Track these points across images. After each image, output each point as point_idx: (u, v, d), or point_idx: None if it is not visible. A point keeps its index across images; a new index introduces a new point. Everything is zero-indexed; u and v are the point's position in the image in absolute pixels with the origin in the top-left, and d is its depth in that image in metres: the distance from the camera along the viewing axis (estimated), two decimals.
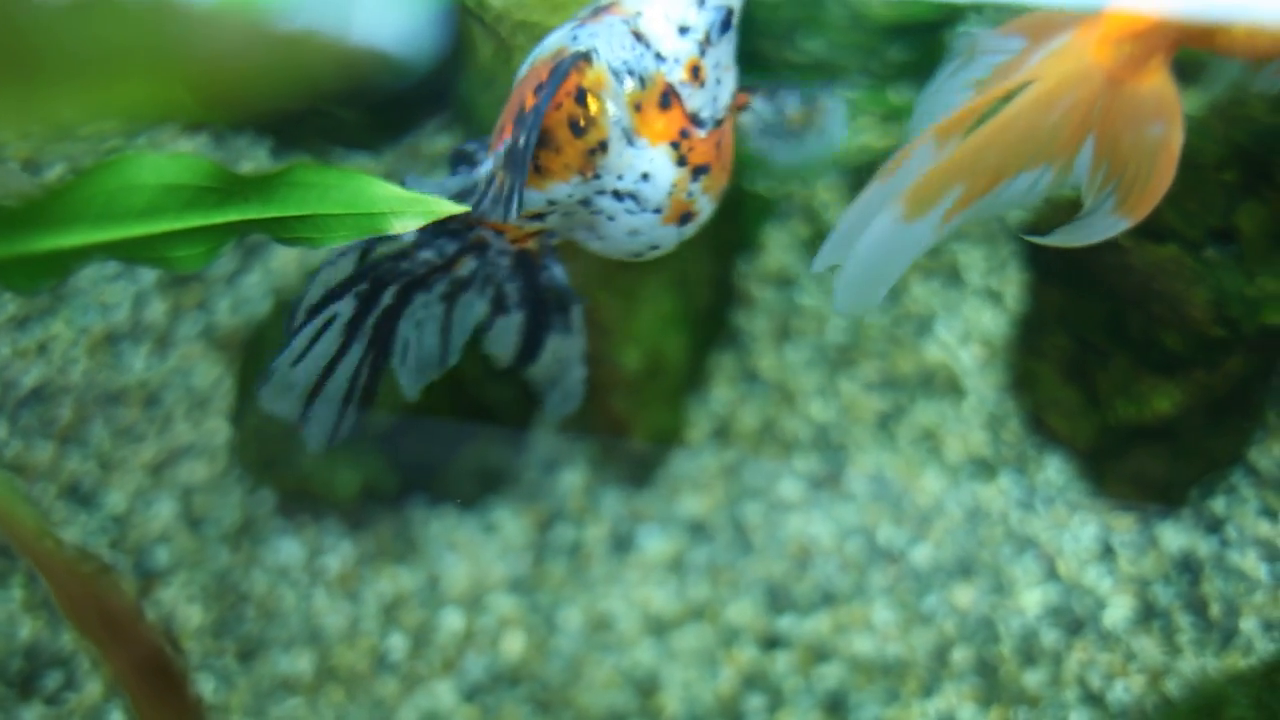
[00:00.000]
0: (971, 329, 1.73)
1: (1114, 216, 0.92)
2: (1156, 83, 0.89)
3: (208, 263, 0.84)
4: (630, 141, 0.93)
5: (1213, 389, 1.43)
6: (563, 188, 0.95)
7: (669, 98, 0.92)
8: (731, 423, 1.71)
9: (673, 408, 1.64)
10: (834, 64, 1.79)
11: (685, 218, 0.99)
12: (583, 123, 0.92)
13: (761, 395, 1.72)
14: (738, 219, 1.73)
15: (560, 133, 0.93)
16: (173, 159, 0.80)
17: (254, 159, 1.83)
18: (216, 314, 1.79)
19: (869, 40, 1.70)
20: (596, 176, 0.95)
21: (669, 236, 1.01)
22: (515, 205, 0.90)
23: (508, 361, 1.16)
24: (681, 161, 0.94)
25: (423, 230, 1.00)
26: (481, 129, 1.46)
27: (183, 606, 1.63)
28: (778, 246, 1.79)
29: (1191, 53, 0.95)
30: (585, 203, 0.98)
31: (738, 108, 1.00)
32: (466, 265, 1.06)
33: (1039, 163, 0.91)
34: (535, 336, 1.13)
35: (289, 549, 1.67)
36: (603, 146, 0.93)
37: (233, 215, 0.83)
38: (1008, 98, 0.91)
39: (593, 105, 0.91)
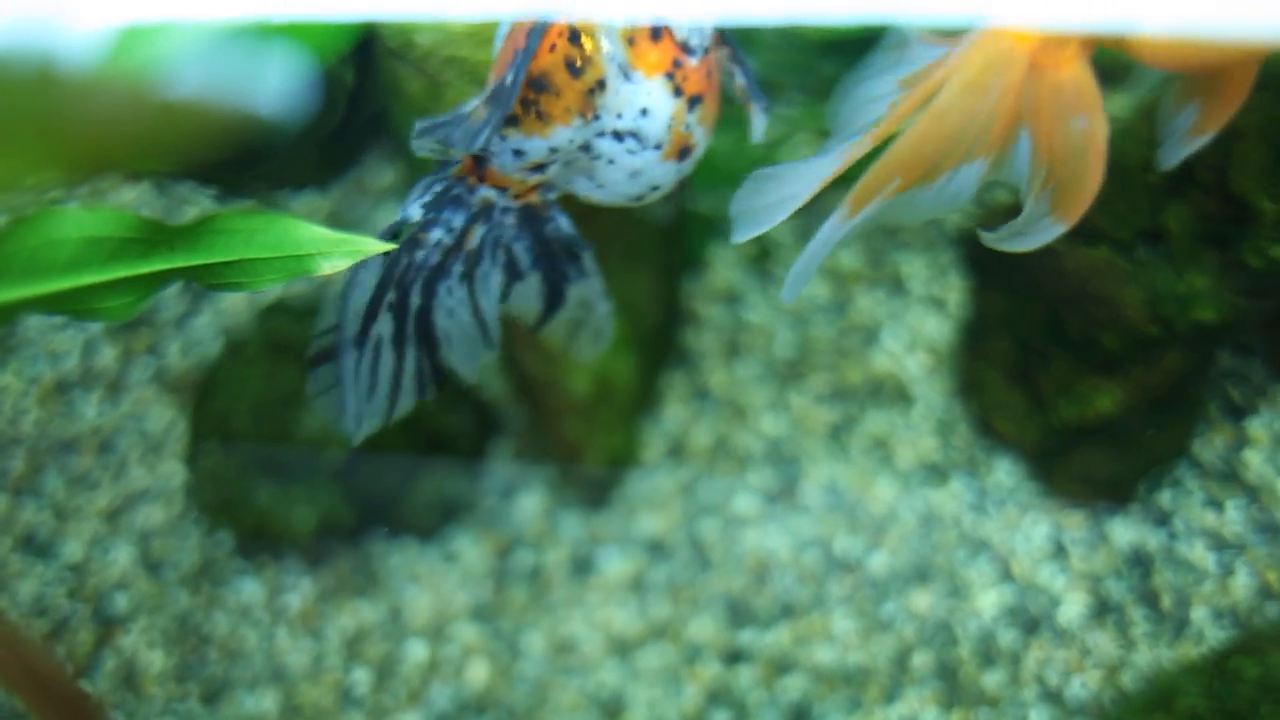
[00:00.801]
0: (917, 337, 1.75)
1: (1051, 219, 0.92)
2: (1076, 72, 0.89)
3: (136, 312, 0.85)
4: (627, 76, 0.94)
5: (1152, 386, 1.45)
6: (564, 132, 0.96)
7: (659, 28, 0.93)
8: (685, 441, 1.72)
9: (625, 429, 1.65)
10: (770, 81, 1.81)
11: (684, 152, 1.00)
12: (579, 62, 0.92)
13: (713, 412, 1.73)
14: (683, 239, 1.74)
15: (558, 75, 0.93)
16: (94, 212, 0.80)
17: (198, 205, 1.83)
18: (167, 357, 1.79)
19: (803, 58, 1.72)
20: (596, 117, 0.95)
21: (669, 174, 1.01)
22: (484, 138, 0.90)
23: (536, 317, 1.15)
24: (677, 92, 0.94)
25: (428, 205, 1.02)
26: (419, 160, 1.47)
27: (144, 652, 1.62)
28: (723, 264, 1.81)
29: (1114, 55, 0.96)
30: (586, 148, 0.98)
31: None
32: (476, 235, 1.06)
33: (975, 155, 0.92)
34: (556, 288, 1.13)
35: (249, 589, 1.67)
36: (601, 85, 0.93)
37: (158, 265, 0.84)
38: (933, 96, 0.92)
39: (587, 44, 0.92)
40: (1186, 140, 0.97)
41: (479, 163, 1.04)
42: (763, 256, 1.82)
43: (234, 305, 1.81)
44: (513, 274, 1.11)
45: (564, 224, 1.10)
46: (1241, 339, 1.64)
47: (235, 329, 1.78)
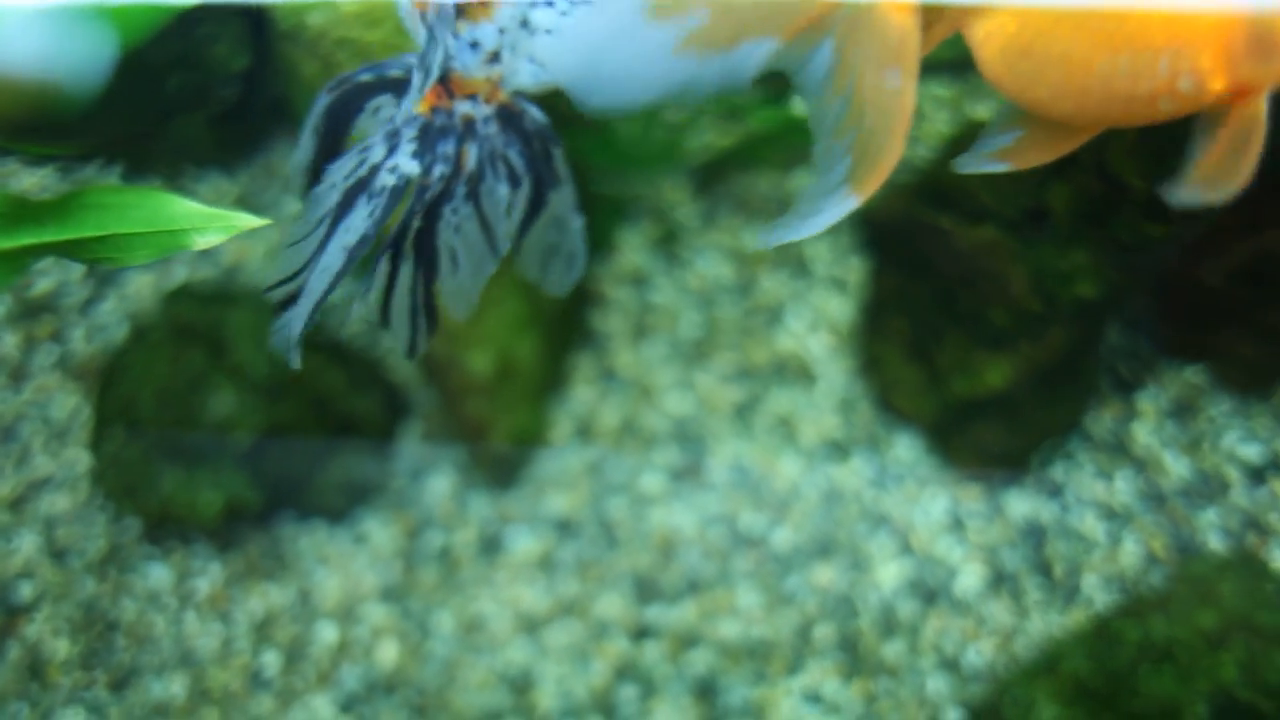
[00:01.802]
0: (820, 317, 1.78)
1: (845, 189, 0.88)
2: (904, 25, 0.85)
3: (6, 286, 0.85)
4: None
5: (1039, 361, 1.50)
6: (505, 10, 0.96)
7: None
8: (593, 421, 1.74)
9: (532, 409, 1.67)
10: None
11: None
12: None
13: (620, 393, 1.75)
14: (589, 221, 1.76)
15: None
16: None
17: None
18: (71, 343, 1.77)
19: None
20: None
21: None
22: (444, 47, 0.91)
23: (513, 230, 1.12)
24: None
25: (418, 151, 1.01)
26: None
27: (49, 640, 1.61)
28: (629, 247, 1.83)
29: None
30: (525, 24, 0.98)
31: None
32: (471, 155, 1.05)
33: (769, 32, 0.86)
34: (540, 193, 1.11)
35: (157, 574, 1.67)
36: None
37: (26, 239, 0.84)
38: None
39: None
40: (989, 160, 0.97)
41: (444, 80, 1.03)
42: (668, 239, 1.84)
43: (139, 290, 1.80)
44: (514, 183, 1.08)
45: (537, 113, 1.08)
46: (1130, 316, 1.70)
47: (141, 314, 1.77)
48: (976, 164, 0.97)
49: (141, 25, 1.05)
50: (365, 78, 1.07)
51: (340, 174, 1.00)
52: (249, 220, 0.89)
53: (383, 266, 1.03)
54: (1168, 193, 0.87)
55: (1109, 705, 1.39)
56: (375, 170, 1.00)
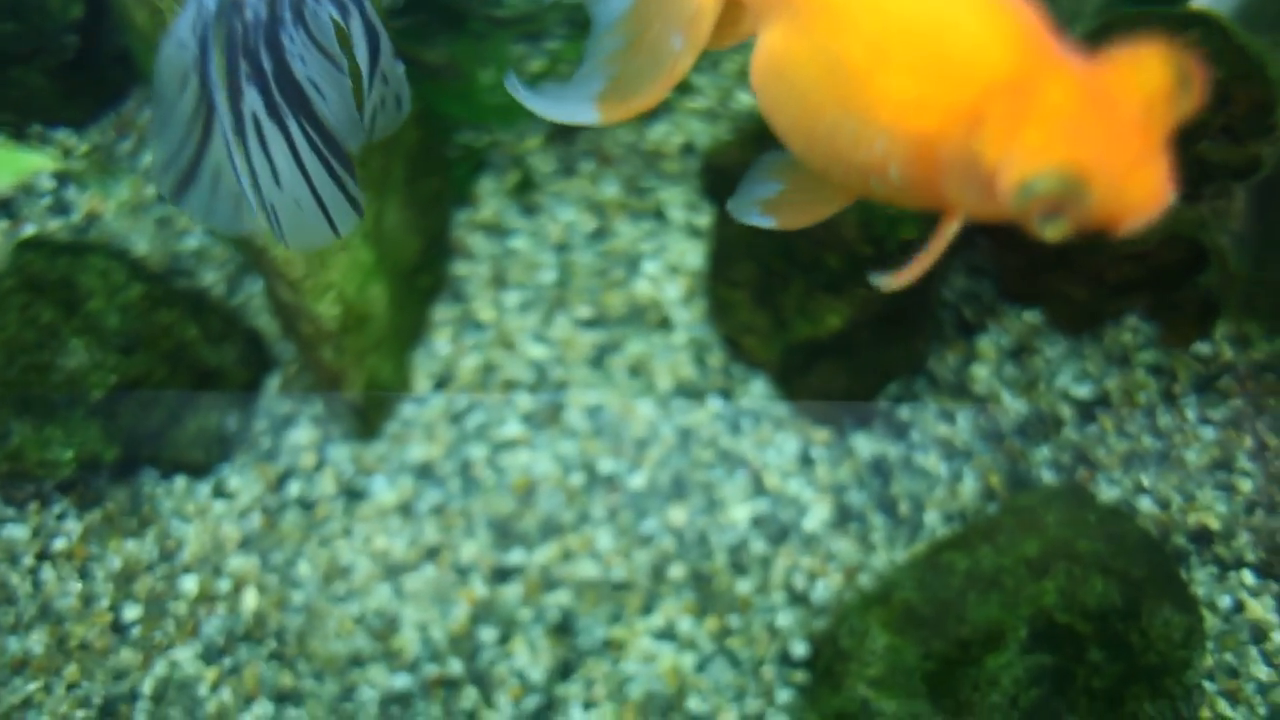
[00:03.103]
0: (675, 264, 1.81)
1: (590, 105, 0.87)
2: (707, 2, 0.83)
3: None
4: None
5: (874, 304, 1.54)
6: None
7: None
8: (452, 369, 1.76)
9: (386, 358, 1.68)
10: (537, 18, 1.84)
11: None
12: None
13: (480, 341, 1.77)
14: (448, 171, 1.77)
15: None
16: None
17: None
18: None
19: None
20: None
21: None
22: None
23: (367, 67, 1.04)
24: None
25: None
26: None
27: None
28: (487, 196, 1.85)
29: None
30: None
31: None
32: None
33: None
34: (373, 29, 1.04)
35: (13, 531, 1.66)
36: None
37: None
38: None
39: None
40: (757, 212, 0.93)
41: None
42: (526, 188, 1.86)
43: None
44: (342, 8, 1.01)
45: None
46: (973, 262, 1.75)
47: None
48: (746, 214, 0.93)
49: None
50: None
51: (184, 29, 0.96)
52: (37, 161, 0.89)
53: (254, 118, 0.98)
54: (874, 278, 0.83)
55: (938, 631, 1.45)
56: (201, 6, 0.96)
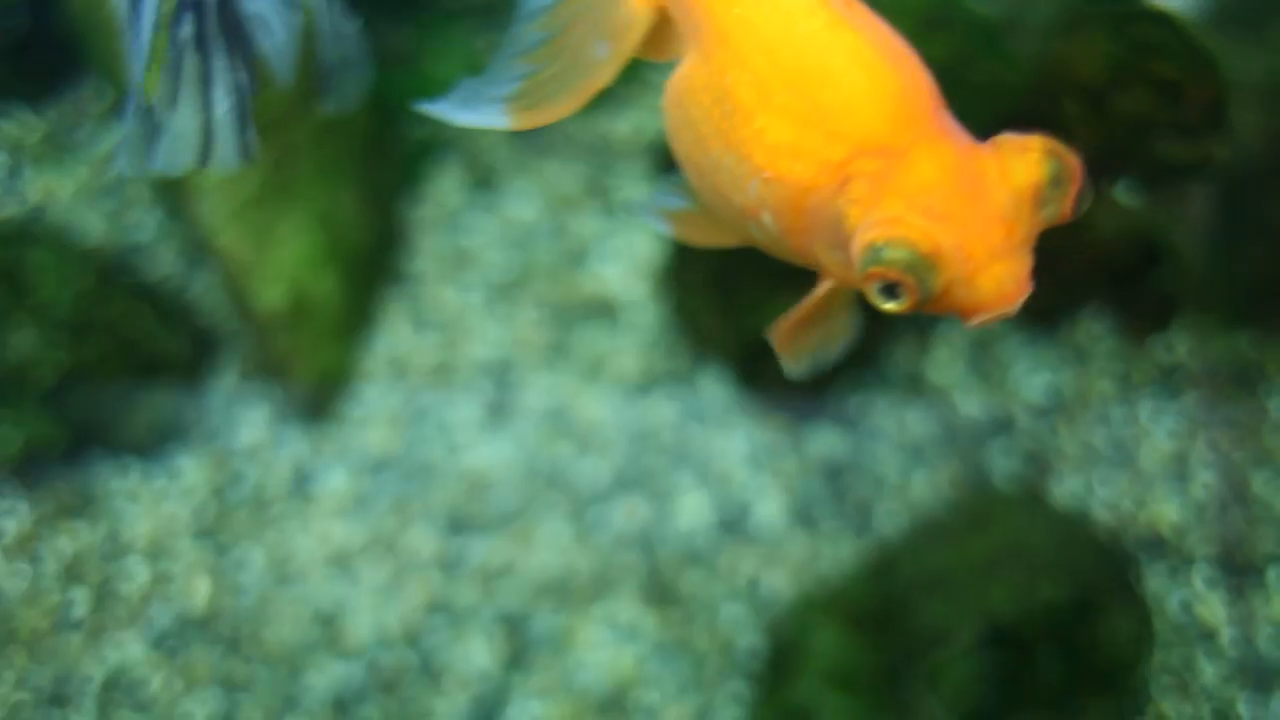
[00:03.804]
0: (631, 257, 1.81)
1: (500, 107, 0.82)
2: (637, 8, 0.80)
3: None
4: None
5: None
6: None
7: None
8: (407, 360, 1.75)
9: (336, 347, 1.67)
10: (496, 8, 1.83)
11: None
12: None
13: (435, 332, 1.77)
14: (398, 163, 1.76)
15: None
16: None
17: None
18: None
19: None
20: None
21: None
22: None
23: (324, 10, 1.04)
24: None
25: None
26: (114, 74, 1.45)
27: None
28: (442, 188, 1.84)
29: None
30: None
31: None
32: None
33: None
34: None
35: None
36: None
37: None
38: None
39: None
40: (660, 217, 0.90)
41: None
42: (480, 182, 1.85)
43: None
44: None
45: None
46: None
47: None
48: (649, 212, 0.92)
49: None
50: None
51: None
52: None
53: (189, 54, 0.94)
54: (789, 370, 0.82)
55: (884, 630, 1.46)
56: None
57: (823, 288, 0.77)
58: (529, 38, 0.86)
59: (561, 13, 0.85)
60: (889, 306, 0.64)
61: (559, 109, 0.83)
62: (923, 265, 0.62)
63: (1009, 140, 0.65)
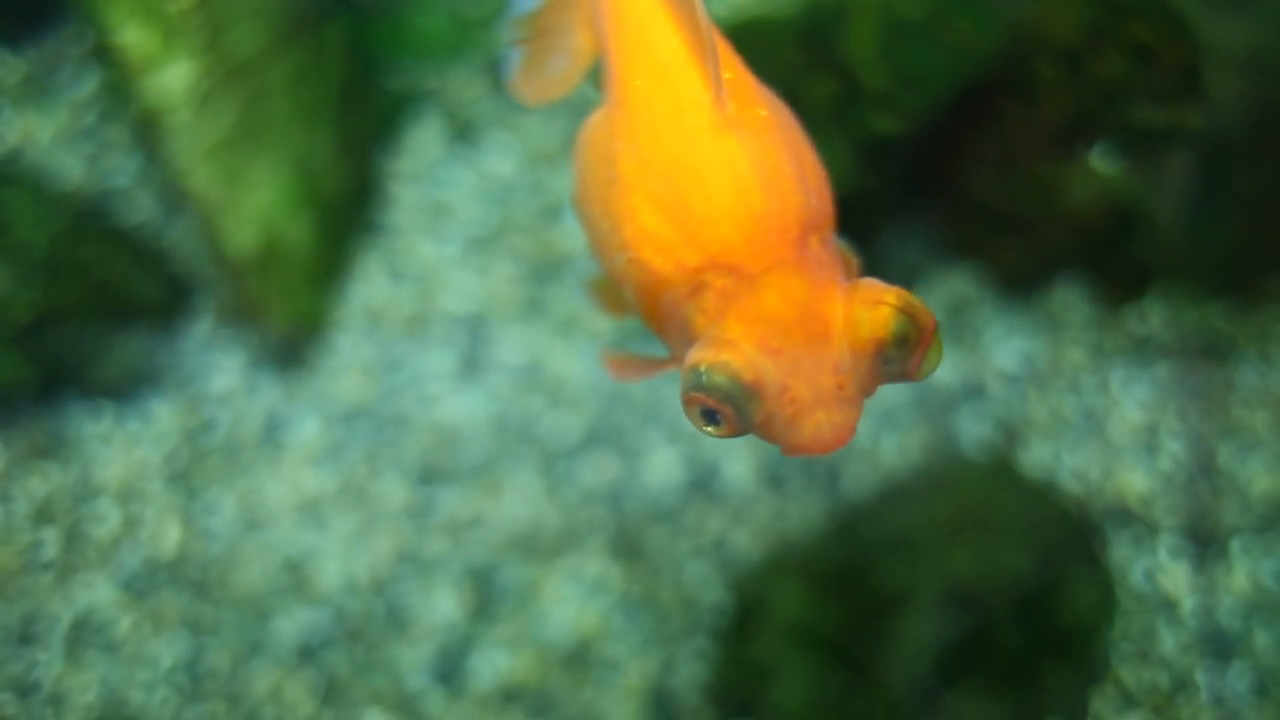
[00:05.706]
0: None
1: (514, 77, 0.85)
2: (621, 8, 0.78)
3: None
4: None
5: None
6: None
7: None
8: (383, 311, 1.75)
9: (309, 294, 1.67)
10: None
11: None
12: None
13: (411, 285, 1.77)
14: (377, 114, 1.76)
15: None
16: None
17: None
18: None
19: None
20: None
21: None
22: None
23: None
24: None
25: None
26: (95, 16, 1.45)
27: None
28: (421, 141, 1.83)
29: None
30: None
31: None
32: None
33: None
34: None
35: None
36: None
37: None
38: None
39: None
40: (583, 290, 0.91)
41: None
42: (459, 136, 1.85)
43: None
44: None
45: None
46: (902, 223, 1.74)
47: None
48: (581, 293, 0.91)
49: None
50: None
51: None
52: None
53: None
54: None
55: (846, 590, 1.46)
56: None
57: (671, 364, 0.75)
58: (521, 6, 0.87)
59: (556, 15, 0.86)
60: (708, 430, 0.63)
61: (549, 92, 0.85)
62: (742, 396, 0.61)
63: (867, 288, 0.62)
